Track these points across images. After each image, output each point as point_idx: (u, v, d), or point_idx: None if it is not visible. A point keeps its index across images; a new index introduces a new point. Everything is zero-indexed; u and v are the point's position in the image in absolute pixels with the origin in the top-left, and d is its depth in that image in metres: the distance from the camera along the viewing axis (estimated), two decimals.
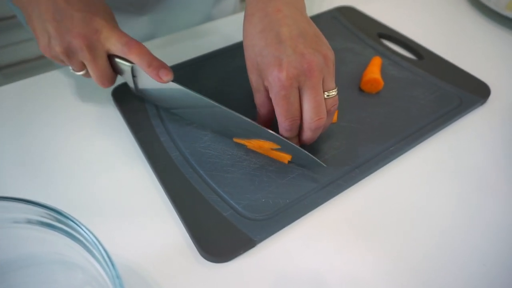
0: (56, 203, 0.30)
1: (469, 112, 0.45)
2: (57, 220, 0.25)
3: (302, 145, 0.38)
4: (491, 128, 0.44)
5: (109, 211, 0.36)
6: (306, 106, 0.34)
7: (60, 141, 0.42)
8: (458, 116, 0.44)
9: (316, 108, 0.34)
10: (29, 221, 0.27)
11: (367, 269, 0.32)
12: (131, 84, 0.42)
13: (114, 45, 0.37)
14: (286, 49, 0.33)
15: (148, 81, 0.39)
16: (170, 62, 0.49)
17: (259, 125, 0.36)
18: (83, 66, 0.39)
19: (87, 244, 0.24)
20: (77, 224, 0.24)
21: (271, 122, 0.39)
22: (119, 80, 0.46)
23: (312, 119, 0.34)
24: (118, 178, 0.39)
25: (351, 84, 0.47)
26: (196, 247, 0.33)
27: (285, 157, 0.38)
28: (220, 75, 0.48)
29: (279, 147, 0.37)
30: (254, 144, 0.38)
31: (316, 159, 0.37)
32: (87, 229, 0.24)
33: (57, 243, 0.27)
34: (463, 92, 0.46)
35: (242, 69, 0.48)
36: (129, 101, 0.45)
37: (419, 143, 0.42)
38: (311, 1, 0.63)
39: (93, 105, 0.46)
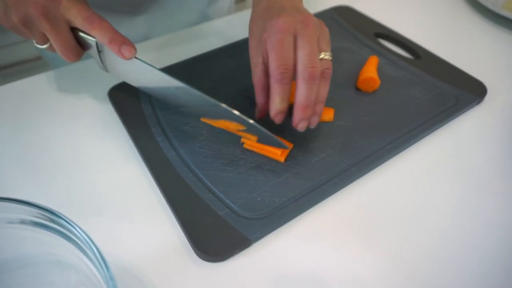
0: (52, 203, 0.30)
1: (465, 111, 0.45)
2: (51, 220, 0.25)
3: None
4: (487, 127, 0.44)
5: (105, 211, 0.36)
6: (299, 53, 0.34)
7: (57, 141, 0.42)
8: (455, 115, 0.44)
9: (310, 55, 0.34)
10: (23, 222, 0.27)
11: (364, 268, 0.32)
12: (98, 60, 0.40)
13: (75, 18, 0.36)
14: (287, 9, 0.36)
15: (113, 57, 0.38)
16: (165, 63, 0.50)
17: (226, 106, 0.35)
18: (45, 38, 0.38)
19: (81, 243, 0.24)
20: (70, 224, 0.24)
21: (266, 106, 0.38)
22: (115, 80, 0.46)
23: (305, 66, 0.34)
24: (114, 178, 0.38)
25: (347, 83, 0.47)
26: (192, 247, 0.33)
27: (279, 155, 0.38)
28: (214, 75, 0.48)
29: (245, 128, 0.36)
30: (220, 124, 0.38)
31: (280, 141, 0.37)
32: (80, 228, 0.24)
33: (51, 243, 0.27)
34: (459, 91, 0.46)
35: (237, 69, 0.49)
36: (126, 101, 0.44)
37: (415, 142, 0.42)
38: (308, 0, 0.63)
39: (90, 105, 0.46)
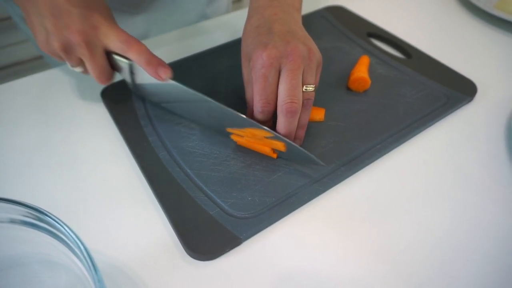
0: (44, 203, 0.30)
1: (456, 110, 0.46)
2: (39, 219, 0.25)
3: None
4: (477, 125, 0.44)
5: (97, 210, 0.36)
6: (281, 87, 0.35)
7: (49, 141, 0.42)
8: (445, 114, 0.45)
9: (290, 90, 0.35)
10: (12, 221, 0.27)
11: (354, 266, 0.33)
12: (129, 81, 0.42)
13: (113, 42, 0.37)
14: (274, 37, 0.36)
15: (145, 78, 0.39)
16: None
17: (250, 119, 0.37)
18: (81, 62, 0.39)
19: (69, 242, 0.25)
20: (57, 222, 0.24)
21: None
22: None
23: (285, 101, 0.35)
24: (106, 178, 0.39)
25: (338, 83, 0.47)
26: (183, 246, 0.33)
27: (273, 151, 0.38)
28: (209, 75, 0.49)
29: (272, 135, 0.36)
30: (247, 133, 0.38)
31: (308, 153, 0.37)
32: (67, 226, 0.24)
33: (41, 243, 0.27)
34: (450, 90, 0.47)
35: (231, 69, 0.49)
36: (118, 101, 0.45)
37: (405, 141, 0.42)
38: None
39: (82, 105, 0.46)
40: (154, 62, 0.37)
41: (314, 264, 0.33)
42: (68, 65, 0.40)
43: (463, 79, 0.48)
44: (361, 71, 0.46)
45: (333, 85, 0.47)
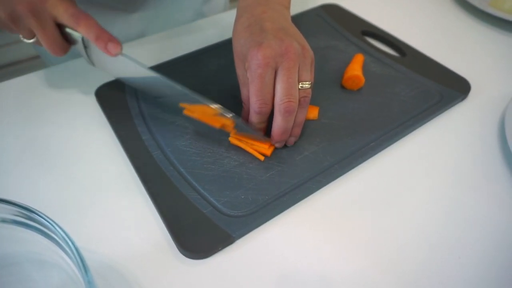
0: (35, 201, 0.30)
1: (449, 107, 0.46)
2: (30, 218, 0.25)
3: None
4: (471, 123, 0.45)
5: (90, 209, 0.36)
6: (278, 86, 0.35)
7: (43, 139, 0.42)
8: (439, 112, 0.45)
9: (287, 90, 0.35)
10: (4, 220, 0.27)
11: (347, 264, 0.33)
12: (84, 55, 0.41)
13: (61, 15, 0.36)
14: (268, 36, 0.36)
15: (98, 53, 0.38)
16: (159, 60, 0.50)
17: (197, 96, 0.36)
18: (32, 34, 0.38)
19: (59, 241, 0.25)
20: (47, 221, 0.24)
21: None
22: (103, 80, 0.47)
23: (282, 100, 0.35)
24: (100, 176, 0.39)
25: (333, 81, 0.47)
26: (175, 244, 0.33)
27: (266, 148, 0.38)
28: (204, 73, 0.49)
29: (219, 111, 0.36)
30: (198, 109, 0.38)
31: (255, 132, 0.37)
32: (57, 225, 0.24)
33: (32, 242, 0.27)
34: (444, 88, 0.47)
35: (226, 68, 0.49)
36: (112, 100, 0.45)
37: (399, 138, 0.42)
38: None
39: (76, 104, 0.46)
40: (103, 37, 0.36)
41: (307, 262, 0.33)
42: (21, 37, 0.39)
43: (457, 77, 0.48)
44: (355, 69, 0.46)
45: (327, 83, 0.47)
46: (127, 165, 0.39)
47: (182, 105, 0.39)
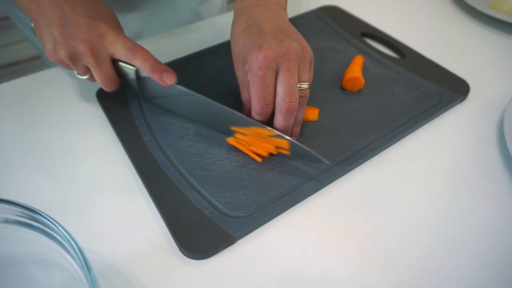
0: (38, 202, 0.30)
1: (449, 109, 0.46)
2: (33, 218, 0.26)
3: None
4: (470, 124, 0.45)
5: (92, 210, 0.36)
6: (279, 88, 0.36)
7: (44, 140, 0.42)
8: (438, 113, 0.45)
9: (289, 91, 0.35)
10: (7, 221, 0.27)
11: (347, 264, 0.33)
12: (136, 86, 0.42)
13: (118, 50, 0.38)
14: (267, 37, 0.36)
15: (152, 84, 0.40)
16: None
17: (254, 120, 0.37)
18: (87, 70, 0.40)
19: (62, 241, 0.25)
20: (50, 222, 0.25)
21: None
22: None
23: (284, 101, 0.35)
24: (101, 177, 0.39)
25: (333, 83, 0.48)
26: (177, 245, 0.33)
27: (260, 154, 0.39)
28: (203, 75, 0.49)
29: (275, 133, 0.37)
30: (252, 131, 0.38)
31: (313, 153, 0.37)
32: (60, 225, 0.24)
33: (35, 242, 0.28)
34: (443, 89, 0.47)
35: (224, 70, 0.49)
36: (114, 102, 0.45)
37: (399, 140, 0.42)
38: (296, 0, 0.64)
39: (78, 105, 0.46)
40: (159, 68, 0.38)
41: (307, 263, 0.33)
42: (75, 73, 0.41)
43: (456, 79, 0.49)
44: (355, 70, 0.47)
45: (327, 84, 0.47)
46: (128, 166, 0.40)
47: (233, 128, 0.40)
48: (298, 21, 0.57)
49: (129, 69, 0.40)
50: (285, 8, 0.42)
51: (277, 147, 0.38)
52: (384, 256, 0.33)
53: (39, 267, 0.31)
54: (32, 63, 1.28)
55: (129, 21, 0.61)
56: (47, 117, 0.45)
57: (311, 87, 0.39)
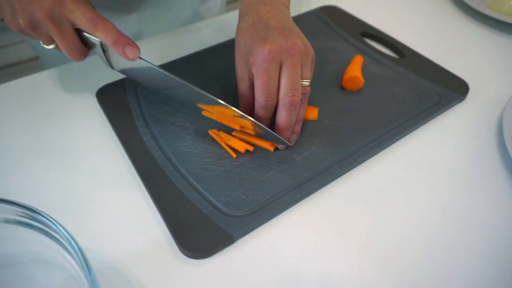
0: (40, 202, 0.30)
1: (448, 108, 0.46)
2: (33, 218, 0.26)
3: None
4: (469, 124, 0.45)
5: (92, 210, 0.36)
6: (282, 82, 0.36)
7: (43, 140, 0.42)
8: (437, 113, 0.45)
9: (292, 85, 0.36)
10: (7, 221, 0.27)
11: (346, 264, 0.33)
12: (103, 59, 0.41)
13: (79, 20, 0.36)
14: (273, 32, 0.37)
15: (117, 56, 0.39)
16: (157, 62, 0.50)
17: (216, 99, 0.37)
18: (51, 40, 0.38)
19: (62, 241, 0.25)
20: (51, 221, 0.25)
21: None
22: (105, 81, 0.47)
23: (287, 94, 0.36)
24: (101, 177, 0.39)
25: (332, 82, 0.48)
26: (177, 244, 0.33)
27: (236, 149, 0.39)
28: (201, 75, 0.49)
29: (238, 113, 0.37)
30: (217, 110, 0.38)
31: (274, 134, 0.37)
32: (60, 225, 0.24)
33: (35, 242, 0.28)
34: (442, 89, 0.47)
35: (224, 70, 0.49)
36: (113, 101, 0.45)
37: (398, 139, 0.43)
38: (296, 0, 0.64)
39: (77, 105, 0.46)
40: (121, 41, 0.36)
41: (307, 262, 0.33)
42: (41, 43, 0.40)
43: (456, 78, 0.49)
44: (355, 70, 0.47)
45: (327, 84, 0.48)
46: (128, 165, 0.40)
47: (200, 105, 0.40)
48: (298, 21, 0.57)
49: (93, 40, 0.38)
50: (288, 7, 0.43)
51: (242, 127, 0.39)
52: (384, 255, 0.34)
53: (39, 267, 0.30)
54: (32, 64, 1.28)
55: (129, 22, 0.61)
56: (46, 117, 0.45)
57: (311, 84, 0.39)
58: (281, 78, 0.36)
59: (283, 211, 0.36)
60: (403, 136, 0.43)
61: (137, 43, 0.54)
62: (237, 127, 0.39)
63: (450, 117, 0.46)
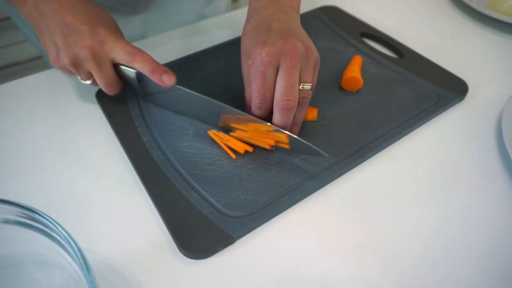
0: (39, 203, 0.30)
1: (447, 108, 0.46)
2: (33, 219, 0.26)
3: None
4: (468, 124, 0.45)
5: (91, 210, 0.36)
6: (278, 84, 0.36)
7: (43, 140, 0.42)
8: (437, 113, 0.45)
9: (287, 88, 0.36)
10: (7, 221, 0.27)
11: (346, 264, 0.33)
12: (138, 90, 0.43)
13: (119, 55, 0.39)
14: (273, 35, 0.37)
15: (152, 85, 0.41)
16: (160, 62, 0.50)
17: (254, 117, 0.38)
18: (90, 75, 0.41)
19: (62, 241, 0.25)
20: (50, 222, 0.25)
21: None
22: None
23: (281, 98, 0.36)
24: (100, 178, 0.39)
25: (331, 83, 0.48)
26: (176, 245, 0.33)
27: (236, 150, 0.39)
28: (202, 75, 0.49)
29: (274, 128, 0.37)
30: (251, 128, 0.39)
31: (314, 147, 0.37)
32: (60, 225, 0.25)
33: (35, 243, 0.28)
34: (441, 89, 0.47)
35: (227, 70, 0.49)
36: (113, 102, 0.45)
37: (397, 139, 0.43)
38: None
39: (77, 105, 0.46)
40: (158, 70, 0.39)
41: (307, 262, 0.33)
42: (79, 78, 0.42)
43: (455, 78, 0.49)
44: (354, 70, 0.47)
45: (326, 84, 0.48)
46: (127, 166, 0.40)
47: (233, 125, 0.40)
48: None
49: (130, 72, 0.41)
50: (297, 11, 0.42)
51: (276, 141, 0.39)
52: (383, 256, 0.34)
53: (38, 268, 0.31)
54: (32, 64, 1.28)
55: (134, 24, 0.61)
56: (46, 117, 0.45)
57: (314, 89, 0.38)
58: (277, 80, 0.36)
59: (282, 212, 0.36)
60: (402, 136, 0.43)
61: (140, 42, 0.55)
62: (272, 142, 0.39)
63: (450, 117, 0.46)
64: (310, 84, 0.37)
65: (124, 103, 0.45)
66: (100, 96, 0.46)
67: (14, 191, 0.38)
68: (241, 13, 0.62)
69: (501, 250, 0.34)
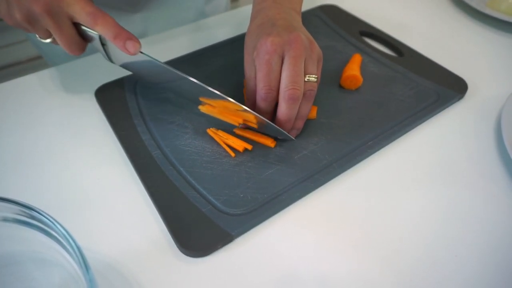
0: (36, 201, 0.30)
1: (446, 107, 0.46)
2: (32, 217, 0.26)
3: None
4: (468, 123, 0.45)
5: (90, 209, 0.36)
6: (284, 74, 0.36)
7: (42, 139, 0.42)
8: (436, 111, 0.45)
9: (293, 77, 0.36)
10: (5, 219, 0.27)
11: (345, 263, 0.33)
12: (102, 52, 0.40)
13: (78, 14, 0.36)
14: (278, 28, 0.38)
15: (118, 51, 0.38)
16: (160, 59, 0.50)
17: (219, 93, 0.37)
18: (48, 34, 0.38)
19: (61, 239, 0.25)
20: (49, 220, 0.25)
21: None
22: (103, 80, 0.47)
23: (287, 87, 0.36)
24: (99, 176, 0.39)
25: (331, 81, 0.48)
26: (175, 243, 0.33)
27: (235, 148, 0.39)
28: (201, 74, 0.49)
29: (241, 107, 0.37)
30: (219, 104, 0.38)
31: (279, 128, 0.38)
32: (58, 224, 0.24)
33: (34, 241, 0.28)
34: (441, 88, 0.47)
35: (227, 68, 0.49)
36: (112, 100, 0.45)
37: (397, 138, 0.43)
38: None
39: (76, 104, 0.46)
40: (122, 35, 0.36)
41: (306, 260, 0.33)
42: (37, 37, 0.39)
43: (454, 77, 0.49)
44: (353, 69, 0.47)
45: (326, 83, 0.47)
46: (126, 164, 0.40)
47: (202, 99, 0.40)
48: None
49: (92, 33, 0.37)
50: (299, 13, 0.43)
51: (245, 120, 0.39)
52: (383, 255, 0.34)
53: (37, 266, 0.31)
54: (32, 64, 1.28)
55: (135, 21, 0.61)
56: (45, 116, 0.45)
57: (319, 82, 0.39)
58: (282, 70, 0.36)
59: (282, 210, 0.36)
60: (401, 135, 0.43)
61: (142, 40, 0.55)
62: (240, 120, 0.39)
63: (449, 116, 0.46)
64: (316, 76, 0.37)
65: (123, 101, 0.45)
66: (100, 95, 0.46)
67: (13, 189, 0.38)
68: (242, 12, 0.62)
69: (500, 249, 0.34)
